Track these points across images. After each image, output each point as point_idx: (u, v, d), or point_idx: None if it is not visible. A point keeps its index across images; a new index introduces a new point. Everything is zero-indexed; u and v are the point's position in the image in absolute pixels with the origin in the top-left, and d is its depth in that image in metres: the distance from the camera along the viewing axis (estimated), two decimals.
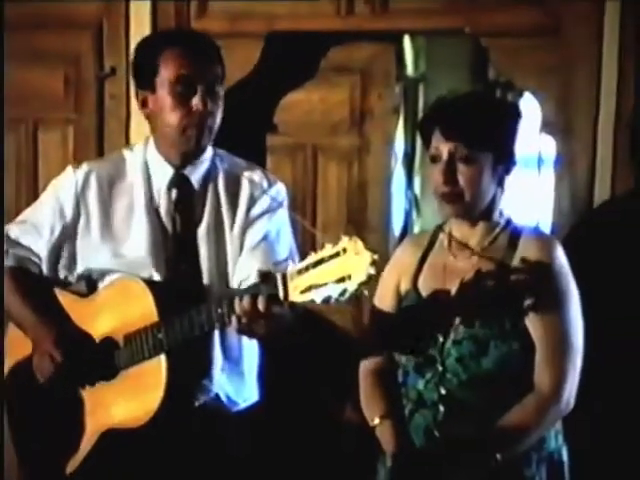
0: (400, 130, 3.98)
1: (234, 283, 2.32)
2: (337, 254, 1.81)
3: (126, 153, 2.46)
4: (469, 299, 2.14)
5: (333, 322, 3.52)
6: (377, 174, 3.51)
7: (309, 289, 1.84)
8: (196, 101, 2.25)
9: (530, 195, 4.62)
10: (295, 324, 2.08)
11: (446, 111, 2.19)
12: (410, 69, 4.54)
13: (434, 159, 2.16)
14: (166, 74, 2.27)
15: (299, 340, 2.18)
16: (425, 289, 2.23)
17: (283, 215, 2.42)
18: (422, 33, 4.07)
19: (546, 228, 3.15)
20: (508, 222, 2.21)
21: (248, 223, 2.37)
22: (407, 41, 4.21)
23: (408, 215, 4.59)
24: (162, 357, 2.20)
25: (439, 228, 2.31)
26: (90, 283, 2.43)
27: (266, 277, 1.97)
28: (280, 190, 2.46)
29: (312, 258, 1.86)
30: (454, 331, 2.14)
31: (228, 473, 2.39)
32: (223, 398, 2.39)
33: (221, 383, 2.37)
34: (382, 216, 3.55)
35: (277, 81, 3.48)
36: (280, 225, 2.39)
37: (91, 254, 2.38)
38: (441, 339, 2.16)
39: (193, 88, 2.25)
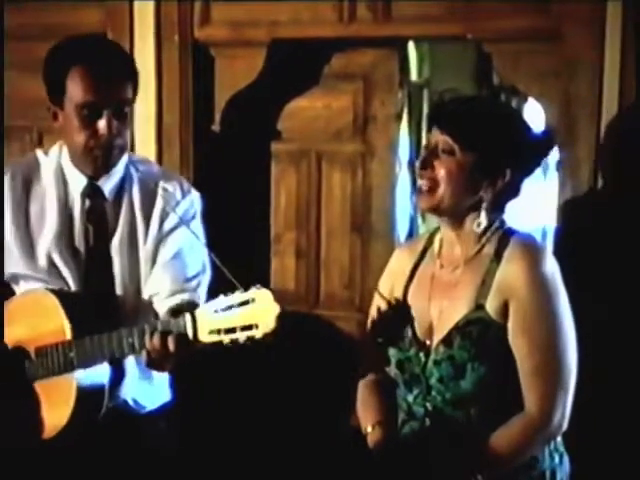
0: (404, 136, 3.98)
1: (145, 296, 2.33)
2: (246, 302, 1.89)
3: (40, 156, 2.43)
4: (447, 318, 2.10)
5: (338, 328, 3.53)
6: (381, 180, 3.52)
7: (218, 332, 1.92)
8: (101, 125, 2.23)
9: (534, 200, 4.60)
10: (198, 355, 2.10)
11: (446, 106, 2.14)
12: (414, 74, 4.55)
13: (425, 149, 2.13)
14: (72, 96, 2.23)
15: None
16: (413, 300, 2.19)
17: (196, 227, 2.41)
18: (424, 39, 4.07)
19: (549, 233, 3.14)
20: (498, 228, 2.12)
21: (161, 237, 2.36)
22: (411, 47, 4.21)
23: (413, 221, 4.57)
24: (72, 374, 2.20)
25: (433, 234, 2.26)
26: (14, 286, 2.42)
27: (177, 315, 2.03)
28: (194, 201, 2.45)
29: (222, 302, 1.92)
30: (435, 351, 2.09)
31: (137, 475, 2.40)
32: (130, 403, 2.40)
33: (130, 389, 2.38)
34: (387, 222, 3.55)
35: (280, 88, 3.49)
36: (193, 238, 2.35)
37: (7, 258, 2.35)
38: (424, 358, 2.12)
39: (99, 112, 2.23)
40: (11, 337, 2.31)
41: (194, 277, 2.33)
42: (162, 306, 2.29)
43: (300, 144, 3.57)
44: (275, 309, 1.86)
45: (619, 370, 2.88)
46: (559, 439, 2.14)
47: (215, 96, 3.45)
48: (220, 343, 1.92)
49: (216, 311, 1.92)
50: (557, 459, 2.14)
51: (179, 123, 3.42)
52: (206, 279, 2.34)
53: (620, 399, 2.89)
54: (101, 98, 2.22)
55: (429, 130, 2.15)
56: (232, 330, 1.89)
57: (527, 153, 2.11)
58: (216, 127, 3.45)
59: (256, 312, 1.87)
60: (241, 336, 1.88)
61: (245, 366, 3.42)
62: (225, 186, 3.53)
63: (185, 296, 2.29)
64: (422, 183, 2.09)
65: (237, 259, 3.66)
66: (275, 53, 3.33)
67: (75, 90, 2.22)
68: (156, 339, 2.02)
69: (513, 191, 2.13)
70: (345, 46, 3.41)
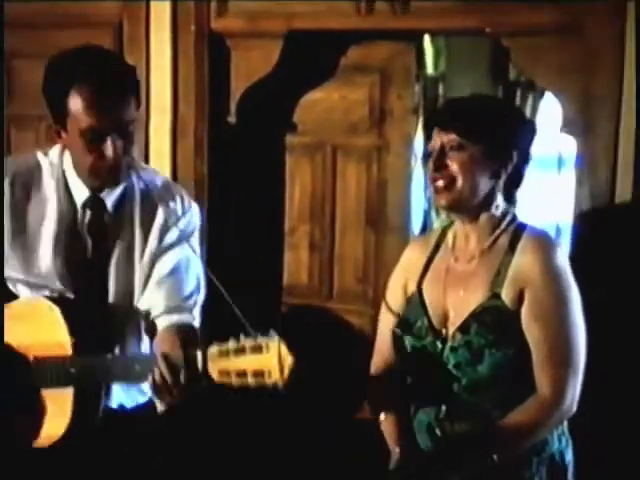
0: (419, 130, 3.96)
1: (140, 308, 2.30)
2: (260, 349, 1.86)
3: (41, 158, 2.32)
4: (463, 307, 2.15)
5: (351, 322, 3.52)
6: (396, 174, 3.51)
7: (228, 373, 1.90)
8: (107, 150, 2.13)
9: (550, 196, 4.59)
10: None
11: (445, 107, 2.31)
12: (430, 68, 4.53)
13: (430, 154, 2.17)
14: (75, 119, 2.11)
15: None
16: (428, 292, 2.24)
17: (194, 242, 2.37)
18: (442, 33, 4.04)
19: (566, 229, 3.12)
20: (511, 221, 2.19)
21: (158, 253, 2.31)
22: (427, 40, 4.19)
23: (427, 215, 4.58)
24: (70, 387, 2.16)
25: (446, 228, 2.32)
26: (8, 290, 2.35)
27: (187, 352, 1.99)
28: (194, 216, 2.39)
29: (234, 344, 1.90)
30: (451, 338, 2.15)
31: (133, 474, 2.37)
32: (116, 407, 2.35)
33: (118, 396, 2.34)
34: (401, 216, 3.54)
35: (296, 80, 3.48)
36: (190, 254, 2.33)
37: (6, 262, 2.28)
38: (440, 345, 2.16)
39: (104, 136, 2.12)
40: (10, 341, 2.24)
41: (190, 296, 2.29)
42: (158, 323, 2.26)
43: (315, 136, 3.56)
44: (288, 361, 1.84)
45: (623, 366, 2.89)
46: (565, 424, 2.20)
47: (231, 87, 3.43)
48: (229, 384, 1.90)
49: (227, 353, 1.90)
50: (564, 442, 2.21)
51: (194, 114, 3.41)
52: (201, 298, 2.32)
53: (621, 392, 2.91)
54: (105, 122, 2.11)
55: (428, 137, 2.23)
56: (243, 373, 1.88)
57: (526, 133, 2.21)
58: (231, 118, 3.44)
59: (270, 361, 1.85)
60: (252, 381, 1.87)
61: None
62: (239, 178, 3.52)
63: (183, 317, 2.26)
64: (439, 182, 2.14)
65: (251, 252, 3.67)
66: (291, 45, 3.31)
67: (77, 113, 2.10)
68: (165, 371, 2.00)
69: (518, 177, 2.20)
70: (362, 38, 3.39)
